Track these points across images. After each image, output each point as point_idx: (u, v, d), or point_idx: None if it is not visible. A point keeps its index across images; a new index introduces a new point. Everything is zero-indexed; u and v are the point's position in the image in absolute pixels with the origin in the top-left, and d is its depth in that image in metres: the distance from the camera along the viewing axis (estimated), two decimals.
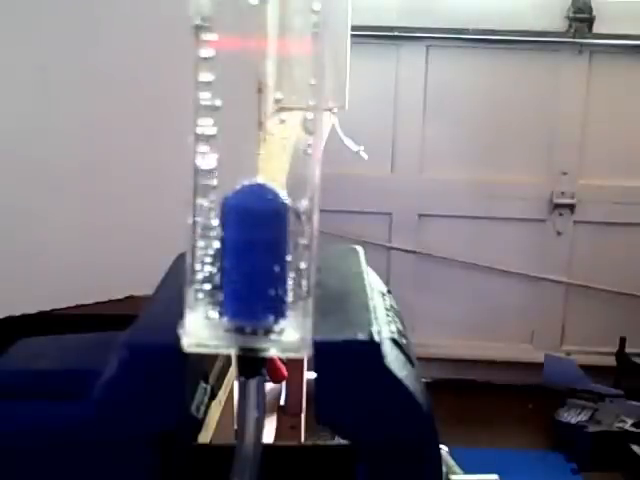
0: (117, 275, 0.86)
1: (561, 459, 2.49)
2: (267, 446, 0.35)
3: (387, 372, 0.35)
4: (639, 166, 2.80)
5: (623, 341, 2.73)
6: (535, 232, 2.87)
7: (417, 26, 2.70)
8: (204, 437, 0.53)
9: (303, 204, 0.33)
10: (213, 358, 0.50)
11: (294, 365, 1.35)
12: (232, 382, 0.77)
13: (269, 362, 0.37)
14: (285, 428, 1.46)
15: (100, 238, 0.85)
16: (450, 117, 2.79)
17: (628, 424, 2.44)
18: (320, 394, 0.35)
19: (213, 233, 0.34)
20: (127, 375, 0.36)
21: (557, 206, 2.83)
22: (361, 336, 0.36)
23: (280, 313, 0.33)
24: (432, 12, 2.69)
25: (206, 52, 0.32)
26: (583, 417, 2.52)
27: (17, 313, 0.82)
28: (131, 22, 0.81)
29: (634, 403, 2.54)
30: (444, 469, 0.43)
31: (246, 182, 0.33)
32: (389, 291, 0.47)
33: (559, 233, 2.86)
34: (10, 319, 0.81)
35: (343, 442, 0.37)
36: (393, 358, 0.36)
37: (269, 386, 1.45)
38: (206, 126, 0.33)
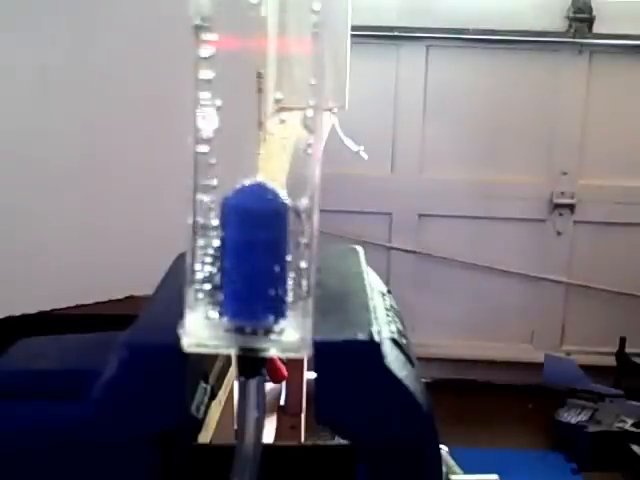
0: (117, 275, 0.86)
1: (561, 459, 2.49)
2: (267, 446, 0.35)
3: (387, 372, 0.35)
4: (639, 166, 2.80)
5: (623, 341, 2.73)
6: (535, 232, 2.87)
7: (417, 26, 2.70)
8: (204, 437, 0.53)
9: (303, 203, 0.33)
10: (213, 358, 0.50)
11: (294, 365, 1.35)
12: (232, 382, 0.77)
13: (269, 362, 0.37)
14: (285, 428, 1.46)
15: (100, 238, 0.85)
16: (450, 117, 2.79)
17: (628, 424, 2.44)
18: (320, 394, 0.35)
19: (213, 233, 0.34)
20: (127, 375, 0.36)
21: (557, 206, 2.83)
22: (361, 336, 0.36)
23: (280, 313, 0.33)
24: (432, 12, 2.69)
25: (206, 52, 0.32)
26: (583, 417, 2.52)
27: (17, 313, 0.82)
28: (131, 22, 0.81)
29: (634, 403, 2.54)
30: (444, 469, 0.43)
31: (246, 182, 0.33)
32: (389, 291, 0.47)
33: (559, 233, 2.86)
34: (10, 319, 0.81)
35: (343, 442, 0.37)
36: (393, 358, 0.36)
37: (269, 386, 1.45)
38: (206, 126, 0.33)
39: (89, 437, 0.36)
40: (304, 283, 0.33)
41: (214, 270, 0.34)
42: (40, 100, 0.80)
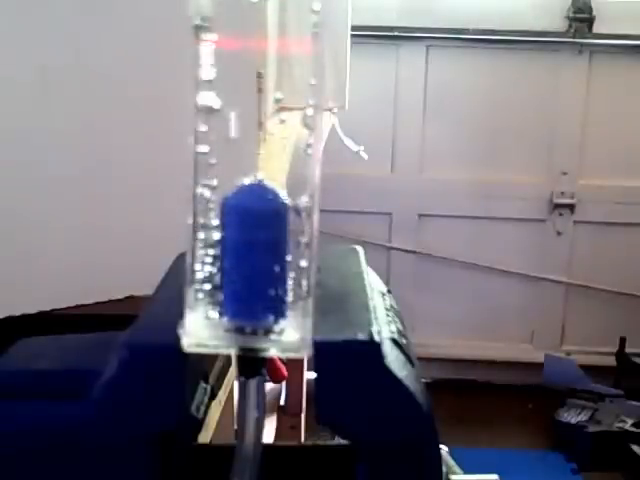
0: (117, 275, 0.86)
1: (561, 459, 2.49)
2: (267, 446, 0.35)
3: (387, 372, 0.35)
4: (639, 166, 2.80)
5: (623, 341, 2.73)
6: (535, 232, 2.87)
7: (417, 26, 2.70)
8: (204, 437, 0.53)
9: (303, 202, 0.33)
10: (213, 358, 0.50)
11: (294, 365, 1.35)
12: (232, 382, 0.77)
13: (269, 362, 0.37)
14: (285, 428, 1.46)
15: (100, 238, 0.85)
16: (450, 117, 2.79)
17: (628, 424, 2.44)
18: (320, 394, 0.35)
19: (213, 233, 0.34)
20: (127, 375, 0.36)
21: (557, 206, 2.83)
22: (361, 336, 0.36)
23: (280, 313, 0.33)
24: (432, 12, 2.69)
25: (206, 52, 0.32)
26: (583, 417, 2.52)
27: (17, 313, 0.82)
28: (131, 22, 0.81)
29: (634, 403, 2.54)
30: (444, 469, 0.43)
31: (246, 182, 0.33)
32: (389, 291, 0.47)
33: (559, 233, 2.86)
34: (10, 319, 0.81)
35: (343, 442, 0.37)
36: (393, 358, 0.36)
37: (269, 386, 1.45)
38: (206, 126, 0.33)
39: (89, 437, 0.36)
40: (304, 283, 0.33)
41: (214, 270, 0.34)
42: (40, 100, 0.80)
